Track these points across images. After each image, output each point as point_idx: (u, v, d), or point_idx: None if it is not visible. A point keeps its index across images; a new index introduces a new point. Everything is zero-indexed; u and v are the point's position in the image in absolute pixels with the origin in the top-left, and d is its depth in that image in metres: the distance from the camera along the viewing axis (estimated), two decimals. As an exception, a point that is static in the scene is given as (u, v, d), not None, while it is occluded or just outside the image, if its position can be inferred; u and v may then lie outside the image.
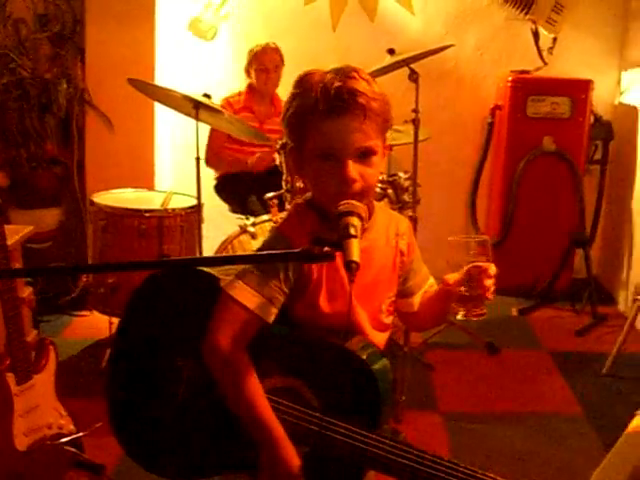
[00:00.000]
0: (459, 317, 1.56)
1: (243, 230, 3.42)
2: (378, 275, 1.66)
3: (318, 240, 1.34)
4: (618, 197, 4.57)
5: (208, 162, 4.05)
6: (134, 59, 4.19)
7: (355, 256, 1.32)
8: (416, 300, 1.76)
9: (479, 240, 1.58)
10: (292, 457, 1.52)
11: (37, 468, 2.42)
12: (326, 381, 1.55)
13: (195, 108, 3.16)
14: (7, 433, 2.38)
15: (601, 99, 4.53)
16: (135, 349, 1.69)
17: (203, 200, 3.57)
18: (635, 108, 4.38)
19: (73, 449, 2.50)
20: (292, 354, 1.60)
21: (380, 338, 1.70)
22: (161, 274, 1.69)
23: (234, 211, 4.15)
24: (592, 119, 4.45)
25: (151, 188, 4.09)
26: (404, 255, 1.70)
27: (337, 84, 1.46)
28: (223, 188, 4.17)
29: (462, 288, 1.53)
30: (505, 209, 4.49)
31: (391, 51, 3.38)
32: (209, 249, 3.59)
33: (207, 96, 3.24)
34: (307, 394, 1.55)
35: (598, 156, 4.58)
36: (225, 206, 4.22)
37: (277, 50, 4.11)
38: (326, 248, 1.29)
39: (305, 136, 1.53)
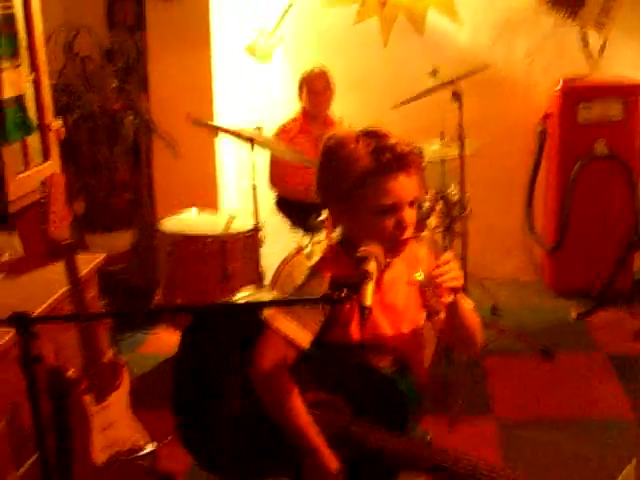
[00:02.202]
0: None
1: (299, 250, 3.61)
2: (407, 300, 1.88)
3: (337, 284, 1.52)
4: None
5: (273, 185, 4.25)
6: (193, 88, 4.43)
7: (368, 301, 1.48)
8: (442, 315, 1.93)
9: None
10: (331, 461, 1.71)
11: (113, 481, 2.66)
12: (357, 396, 1.76)
13: (249, 141, 3.36)
14: (85, 450, 2.62)
15: (655, 99, 4.51)
16: (193, 372, 1.93)
17: (265, 216, 3.77)
18: (689, 107, 4.36)
19: (146, 463, 2.74)
20: (328, 372, 1.81)
21: (419, 362, 1.91)
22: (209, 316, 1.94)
23: (295, 226, 4.34)
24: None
25: (216, 209, 4.33)
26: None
27: (399, 147, 1.70)
28: (284, 205, 4.36)
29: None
30: (560, 214, 4.53)
31: (434, 72, 3.50)
32: (269, 267, 3.78)
33: (259, 129, 3.44)
34: (341, 407, 1.76)
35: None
36: (286, 223, 4.41)
37: (324, 73, 4.28)
38: (344, 292, 1.48)
39: (359, 198, 1.73)
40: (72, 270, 2.62)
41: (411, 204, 1.76)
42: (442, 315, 1.91)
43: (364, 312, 1.47)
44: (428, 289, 1.80)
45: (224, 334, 1.89)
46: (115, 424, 2.73)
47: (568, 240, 4.54)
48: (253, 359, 1.74)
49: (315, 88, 4.23)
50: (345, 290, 1.47)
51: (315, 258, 3.56)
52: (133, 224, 4.66)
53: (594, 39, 4.52)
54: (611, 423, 3.27)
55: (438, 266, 1.71)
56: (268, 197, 4.34)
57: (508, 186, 4.77)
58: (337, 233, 1.93)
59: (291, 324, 1.72)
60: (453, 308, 1.80)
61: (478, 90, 4.04)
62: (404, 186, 1.73)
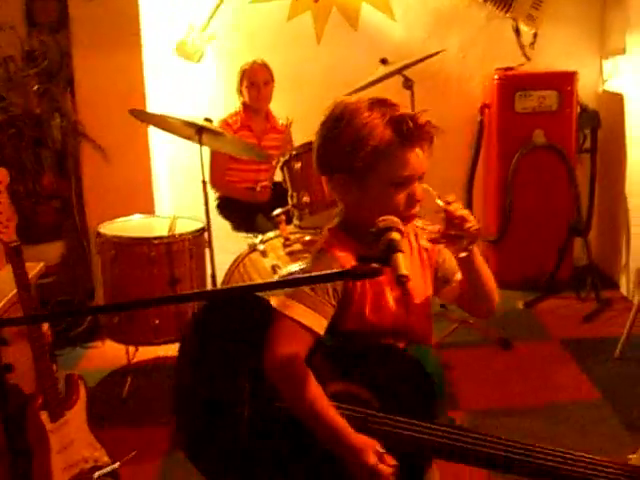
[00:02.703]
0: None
1: (253, 248, 3.46)
2: (414, 273, 1.75)
3: (363, 258, 1.40)
4: (610, 183, 4.66)
5: (214, 185, 4.07)
6: (124, 87, 4.22)
7: (404, 270, 1.37)
8: (459, 275, 1.83)
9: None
10: (369, 444, 1.56)
11: (78, 502, 2.45)
12: (382, 382, 1.63)
13: (198, 133, 3.20)
14: (46, 470, 2.41)
15: (585, 89, 4.61)
16: (197, 376, 1.75)
17: (202, 223, 3.61)
18: (619, 95, 4.47)
19: (110, 480, 2.53)
20: (348, 361, 1.68)
21: (429, 334, 1.82)
22: (214, 303, 1.77)
23: (237, 229, 4.18)
24: (578, 109, 4.52)
25: (152, 214, 4.12)
26: (428, 250, 1.82)
27: (416, 118, 1.61)
28: (226, 207, 4.19)
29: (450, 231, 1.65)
30: (502, 205, 4.55)
31: (384, 61, 3.44)
32: (219, 270, 3.61)
33: (209, 120, 3.29)
34: (366, 396, 1.63)
35: (587, 145, 4.65)
36: (227, 225, 4.24)
37: (265, 66, 4.16)
38: (374, 265, 1.35)
39: (374, 168, 1.64)
40: (20, 274, 2.43)
41: (420, 179, 1.69)
42: (458, 277, 1.82)
43: (402, 281, 1.35)
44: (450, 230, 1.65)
45: (231, 333, 1.73)
46: (75, 442, 2.52)
47: (510, 231, 4.56)
48: (267, 349, 1.60)
49: (256, 81, 4.09)
50: (375, 262, 1.35)
51: (272, 255, 3.44)
52: (62, 235, 4.39)
53: (526, 31, 4.57)
54: (579, 404, 3.29)
55: (448, 203, 1.64)
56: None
57: (448, 179, 4.75)
58: (336, 218, 1.81)
59: (305, 310, 1.61)
60: (470, 259, 1.70)
61: (414, 84, 3.99)
62: (420, 159, 1.65)
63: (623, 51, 4.36)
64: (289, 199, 3.46)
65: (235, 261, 3.54)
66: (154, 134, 4.37)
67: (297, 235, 3.44)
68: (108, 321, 3.64)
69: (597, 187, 4.66)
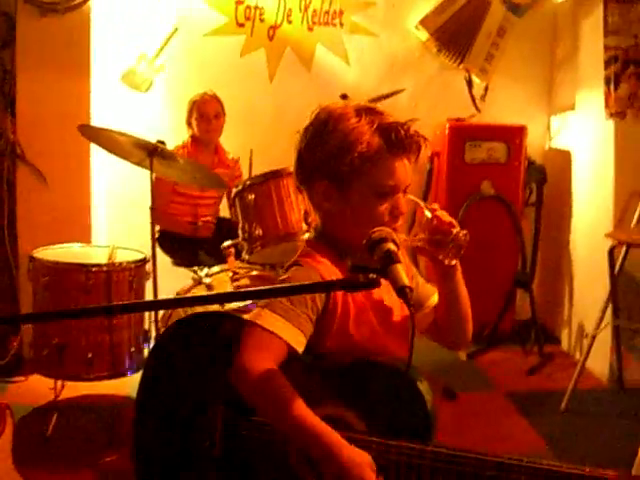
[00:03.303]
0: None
1: (198, 282, 3.31)
2: (391, 294, 1.62)
3: (357, 268, 1.32)
4: (554, 239, 4.69)
5: (155, 217, 3.91)
6: (68, 112, 4.04)
7: (405, 280, 1.31)
8: (434, 299, 1.77)
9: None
10: (358, 453, 1.42)
11: None
12: (371, 402, 1.51)
13: (149, 155, 3.06)
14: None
15: (533, 144, 4.67)
16: (162, 405, 1.60)
17: (144, 254, 3.46)
18: (567, 151, 4.54)
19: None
20: (333, 384, 1.55)
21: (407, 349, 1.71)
22: (181, 324, 1.64)
23: (178, 264, 4.02)
24: (526, 163, 4.57)
25: (88, 243, 3.92)
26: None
27: (405, 127, 1.57)
28: (166, 241, 4.02)
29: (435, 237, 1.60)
30: (447, 254, 4.51)
31: (344, 96, 3.39)
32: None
33: (162, 142, 3.15)
34: (352, 419, 1.49)
35: (533, 199, 4.69)
36: (167, 260, 4.07)
37: (216, 98, 4.07)
38: (371, 275, 1.25)
39: (360, 175, 1.57)
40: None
41: (404, 191, 1.62)
42: (431, 302, 1.76)
43: (405, 292, 1.29)
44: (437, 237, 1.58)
45: (201, 353, 1.59)
46: (-3, 478, 2.30)
47: (454, 281, 4.52)
48: (236, 359, 1.46)
49: (207, 113, 3.99)
50: (373, 273, 1.25)
51: (218, 289, 3.28)
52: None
53: (478, 83, 4.63)
54: (525, 455, 3.18)
55: (433, 210, 1.59)
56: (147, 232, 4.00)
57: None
58: (311, 232, 1.73)
59: (276, 319, 1.49)
60: (452, 272, 1.64)
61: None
62: (407, 169, 1.60)
63: (572, 107, 4.45)
64: (240, 232, 3.33)
65: (178, 295, 3.38)
66: (95, 160, 4.20)
67: (245, 269, 3.31)
68: (36, 353, 3.41)
69: (541, 241, 4.69)
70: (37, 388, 3.61)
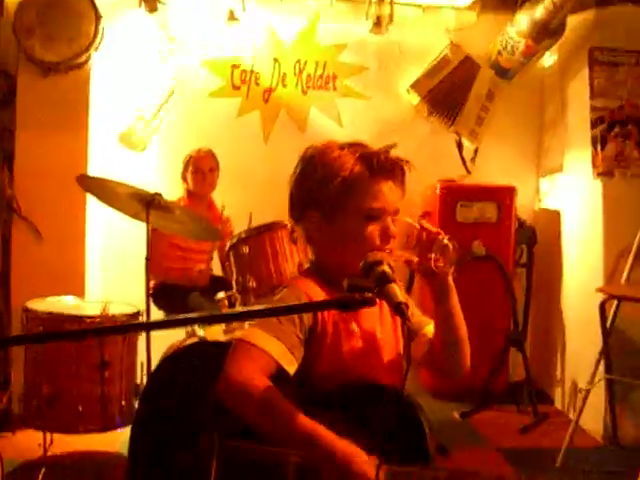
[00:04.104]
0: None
1: (191, 334, 3.32)
2: (384, 326, 1.76)
3: (353, 287, 1.35)
4: (546, 298, 4.73)
5: (151, 271, 3.93)
6: (66, 168, 4.09)
7: (401, 298, 1.35)
8: (428, 329, 1.80)
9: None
10: (355, 450, 1.44)
11: None
12: (367, 425, 1.52)
13: (146, 207, 3.11)
14: None
15: (523, 205, 4.75)
16: (158, 435, 1.60)
17: (137, 308, 3.47)
18: (556, 212, 4.62)
19: None
20: (325, 406, 1.56)
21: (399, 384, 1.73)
22: (175, 355, 1.66)
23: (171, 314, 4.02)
24: (516, 224, 4.64)
25: (82, 297, 3.93)
26: None
27: (387, 153, 1.65)
28: (161, 295, 4.04)
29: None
30: (439, 313, 4.53)
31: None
32: (152, 357, 3.43)
33: (158, 194, 3.20)
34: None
35: (524, 260, 4.74)
36: (161, 315, 4.07)
37: (211, 153, 4.18)
38: (367, 294, 1.29)
39: (347, 200, 1.63)
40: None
41: (393, 214, 1.68)
42: (426, 331, 1.79)
43: (401, 309, 1.33)
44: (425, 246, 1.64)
45: (197, 382, 1.60)
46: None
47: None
48: (224, 372, 1.48)
49: (202, 168, 4.09)
50: (369, 293, 1.29)
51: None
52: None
53: (468, 146, 4.73)
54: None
55: (421, 223, 1.65)
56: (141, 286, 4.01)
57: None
58: (306, 262, 1.78)
59: (264, 335, 1.53)
60: (446, 295, 1.69)
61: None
62: (393, 192, 1.67)
63: (560, 169, 4.55)
64: (234, 284, 3.36)
65: (170, 348, 3.37)
66: (91, 216, 4.25)
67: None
68: (26, 406, 3.37)
69: (533, 300, 4.72)
70: (25, 443, 3.55)
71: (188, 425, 1.57)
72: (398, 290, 1.38)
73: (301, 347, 1.56)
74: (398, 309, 1.33)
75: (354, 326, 1.66)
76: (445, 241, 1.63)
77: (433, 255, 1.63)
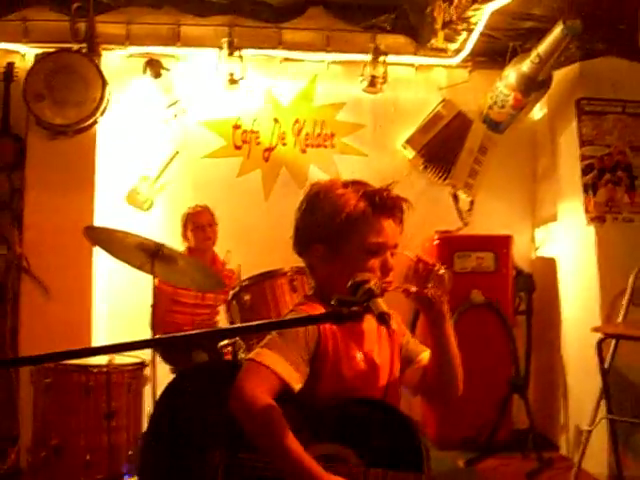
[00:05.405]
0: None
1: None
2: (381, 351, 1.83)
3: (342, 302, 1.44)
4: (546, 345, 4.77)
5: (154, 325, 4.01)
6: (72, 226, 4.21)
7: (385, 308, 1.45)
8: (424, 356, 1.88)
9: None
10: None
11: None
12: (365, 438, 1.56)
13: (152, 257, 3.21)
14: None
15: (519, 254, 4.83)
16: (168, 445, 1.68)
17: (142, 358, 3.54)
18: (552, 260, 4.71)
19: None
20: (329, 423, 1.64)
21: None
22: (184, 372, 1.74)
23: (175, 372, 4.07)
24: (514, 272, 4.72)
25: (89, 353, 3.99)
26: (396, 333, 1.87)
27: (388, 191, 1.80)
28: (165, 350, 4.09)
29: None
30: (441, 362, 4.57)
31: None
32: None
33: (163, 245, 3.30)
34: (349, 456, 1.55)
35: (523, 307, 4.80)
36: (166, 367, 4.12)
37: (208, 209, 4.31)
38: (354, 308, 1.40)
39: (351, 235, 1.74)
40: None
41: (393, 249, 1.78)
42: (421, 358, 1.86)
43: (385, 319, 1.43)
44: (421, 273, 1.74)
45: (206, 400, 1.69)
46: None
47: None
48: (235, 388, 1.58)
49: (201, 223, 4.22)
50: (355, 306, 1.41)
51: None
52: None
53: (463, 198, 4.86)
54: None
55: (418, 258, 1.75)
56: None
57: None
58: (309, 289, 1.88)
59: (271, 355, 1.62)
60: (440, 322, 1.76)
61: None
62: (393, 228, 1.78)
63: (554, 218, 4.66)
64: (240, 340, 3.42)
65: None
66: (97, 271, 4.35)
67: (243, 367, 3.37)
68: (34, 458, 3.41)
69: (534, 348, 4.76)
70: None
71: (197, 441, 1.64)
72: (382, 303, 1.47)
73: (306, 367, 1.65)
74: (381, 319, 1.43)
75: (355, 349, 1.75)
76: (441, 271, 1.73)
77: (430, 285, 1.72)
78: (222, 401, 1.60)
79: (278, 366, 1.60)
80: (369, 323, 1.80)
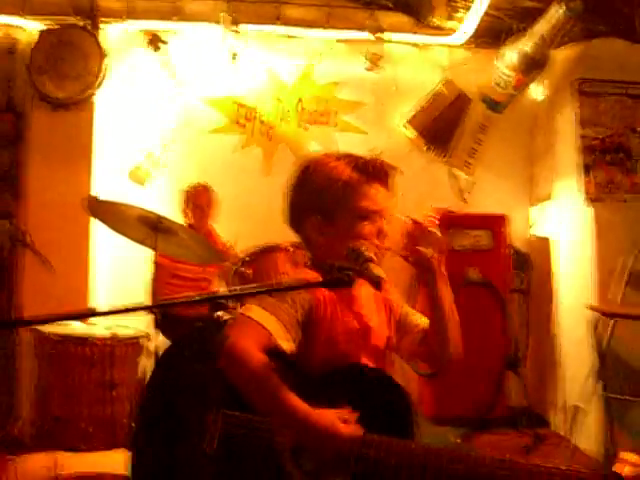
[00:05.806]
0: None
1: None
2: (376, 317, 1.89)
3: (338, 268, 1.49)
4: (541, 324, 4.83)
5: (154, 302, 4.04)
6: (71, 201, 4.24)
7: (379, 272, 1.54)
8: (422, 321, 1.94)
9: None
10: (324, 413, 1.57)
11: None
12: (357, 405, 1.62)
13: (153, 230, 3.23)
14: None
15: (516, 233, 4.89)
16: (164, 404, 1.72)
17: (145, 331, 3.58)
18: (546, 239, 4.76)
19: None
20: (323, 388, 1.67)
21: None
22: (182, 338, 1.77)
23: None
24: (512, 251, 4.76)
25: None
26: (392, 301, 1.96)
27: (379, 160, 1.87)
28: (167, 324, 4.13)
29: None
30: (436, 339, 4.62)
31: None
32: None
33: (163, 217, 3.32)
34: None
35: (518, 285, 4.85)
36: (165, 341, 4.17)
37: (208, 188, 4.33)
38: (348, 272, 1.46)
39: (346, 202, 1.79)
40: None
41: (387, 216, 1.84)
42: (419, 327, 1.92)
43: (377, 282, 1.53)
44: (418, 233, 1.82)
45: (203, 362, 1.72)
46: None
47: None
48: (227, 344, 1.60)
49: (200, 204, 4.25)
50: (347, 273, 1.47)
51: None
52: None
53: (462, 177, 4.89)
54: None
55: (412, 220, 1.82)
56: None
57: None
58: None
59: (260, 311, 1.66)
60: (434, 278, 1.83)
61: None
62: (385, 195, 1.84)
63: (549, 197, 4.70)
64: (238, 307, 3.45)
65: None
66: (96, 246, 4.38)
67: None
68: (36, 429, 3.46)
69: (531, 326, 4.82)
70: (31, 468, 3.60)
71: (195, 403, 1.68)
72: (377, 268, 1.55)
73: (298, 328, 1.68)
74: (373, 283, 1.52)
75: (350, 315, 1.79)
76: (432, 229, 1.80)
77: (424, 244, 1.80)
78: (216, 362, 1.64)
79: (267, 322, 1.63)
80: (365, 289, 1.83)
